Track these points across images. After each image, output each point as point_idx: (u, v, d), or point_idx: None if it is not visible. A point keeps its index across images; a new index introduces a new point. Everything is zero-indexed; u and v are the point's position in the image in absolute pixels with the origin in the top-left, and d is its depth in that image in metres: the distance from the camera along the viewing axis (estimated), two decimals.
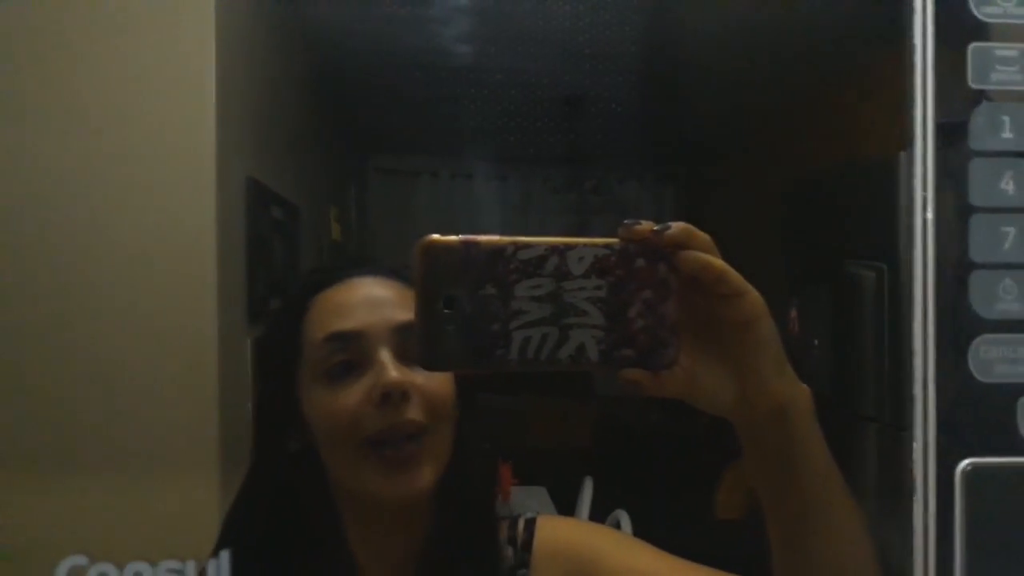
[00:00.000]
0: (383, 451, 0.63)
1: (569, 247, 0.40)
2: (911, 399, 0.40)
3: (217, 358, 1.45)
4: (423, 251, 0.39)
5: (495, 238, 0.40)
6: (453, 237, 0.39)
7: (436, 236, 0.40)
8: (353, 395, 0.64)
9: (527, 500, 2.35)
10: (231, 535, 0.71)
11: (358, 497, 0.68)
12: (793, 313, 2.22)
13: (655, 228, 0.41)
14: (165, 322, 1.42)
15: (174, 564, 0.62)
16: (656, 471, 2.95)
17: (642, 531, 2.10)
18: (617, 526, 2.13)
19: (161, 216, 1.43)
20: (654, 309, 0.40)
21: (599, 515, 2.35)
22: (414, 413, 0.64)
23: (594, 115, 3.07)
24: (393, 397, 0.63)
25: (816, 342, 2.15)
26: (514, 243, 0.40)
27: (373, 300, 0.67)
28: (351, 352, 0.65)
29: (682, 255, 0.41)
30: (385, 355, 0.64)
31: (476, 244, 0.39)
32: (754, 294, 0.42)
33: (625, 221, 0.41)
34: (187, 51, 1.44)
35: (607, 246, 0.40)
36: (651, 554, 0.69)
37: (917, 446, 0.40)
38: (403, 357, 0.65)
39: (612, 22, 2.41)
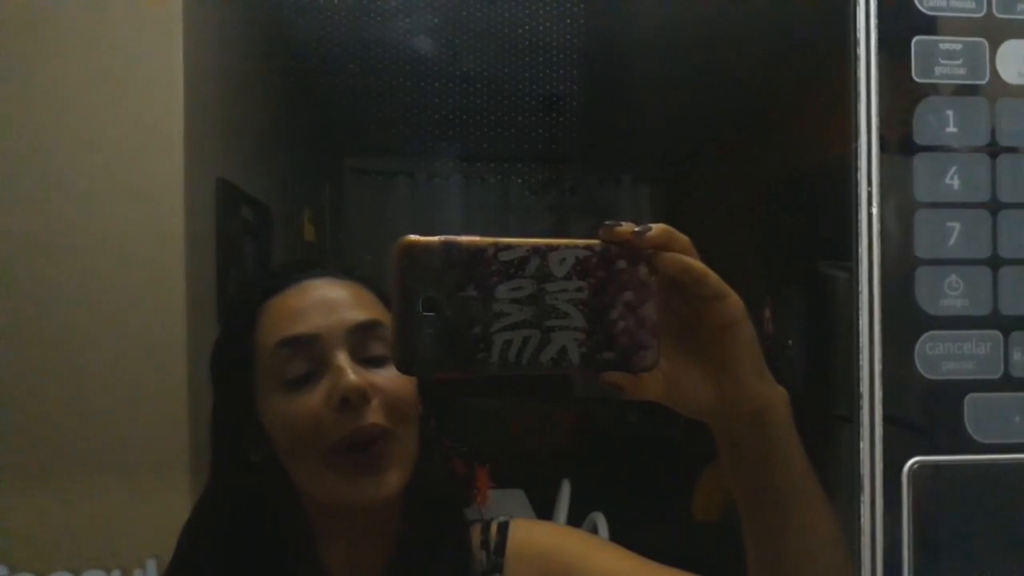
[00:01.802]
0: (347, 457, 0.62)
1: (551, 248, 0.39)
2: (858, 397, 0.40)
3: (187, 361, 1.43)
4: (402, 252, 0.38)
5: (476, 239, 0.39)
6: (433, 238, 0.39)
7: (415, 236, 0.39)
8: (312, 401, 0.62)
9: (505, 503, 2.34)
10: (188, 550, 0.70)
11: (325, 504, 0.67)
12: (767, 313, 2.23)
13: (636, 230, 0.40)
14: (134, 324, 1.40)
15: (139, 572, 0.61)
16: (633, 473, 2.96)
17: (619, 533, 2.10)
18: (594, 528, 2.13)
19: (129, 218, 1.41)
20: (635, 311, 0.40)
21: (577, 517, 2.35)
22: (376, 416, 0.62)
23: (571, 115, 3.07)
24: (352, 401, 0.62)
25: (790, 342, 2.16)
26: (495, 244, 0.39)
27: (327, 302, 0.66)
28: (306, 357, 0.64)
29: (662, 257, 0.40)
30: (342, 358, 0.63)
31: (456, 245, 0.38)
32: (734, 297, 0.42)
33: (606, 223, 0.40)
34: (154, 50, 1.43)
35: (588, 247, 0.40)
36: (624, 557, 0.69)
37: (864, 444, 0.40)
38: (361, 359, 0.64)
39: (588, 21, 2.41)
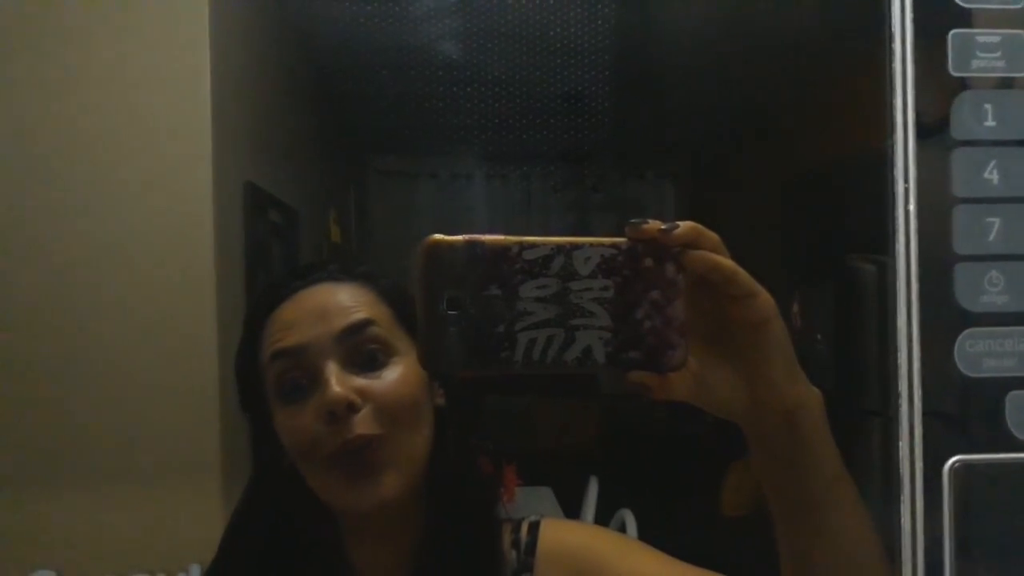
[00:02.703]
0: (342, 463, 0.62)
1: (575, 247, 0.39)
2: (896, 396, 0.39)
3: (218, 364, 1.45)
4: (427, 251, 0.39)
5: (500, 237, 0.39)
6: (457, 237, 0.39)
7: (440, 236, 0.39)
8: (305, 416, 0.63)
9: (533, 501, 2.35)
10: (228, 551, 0.71)
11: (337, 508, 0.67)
12: (795, 307, 2.21)
13: (663, 227, 0.40)
14: (164, 328, 1.42)
15: None
16: (661, 470, 2.95)
17: (647, 530, 2.10)
18: (622, 525, 2.13)
19: (158, 223, 1.42)
20: (662, 310, 0.39)
21: (605, 515, 2.34)
22: (363, 425, 0.62)
23: (593, 112, 3.06)
24: (338, 413, 0.62)
25: (819, 336, 2.14)
26: (519, 243, 0.39)
27: (317, 310, 0.66)
28: (297, 369, 0.64)
29: (691, 255, 0.40)
30: (330, 368, 0.63)
31: (481, 244, 0.39)
32: (765, 295, 0.41)
33: (632, 220, 0.40)
34: (182, 55, 1.44)
35: (614, 246, 0.40)
36: (654, 558, 0.69)
37: (903, 444, 0.39)
38: (354, 363, 0.64)
39: (613, 17, 2.40)
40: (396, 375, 0.64)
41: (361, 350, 0.64)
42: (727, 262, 0.40)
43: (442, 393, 0.70)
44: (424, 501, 0.68)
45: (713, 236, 0.41)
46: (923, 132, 0.39)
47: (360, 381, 0.63)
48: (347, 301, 0.66)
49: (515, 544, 0.71)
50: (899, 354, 0.39)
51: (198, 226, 1.44)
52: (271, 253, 1.91)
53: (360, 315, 0.65)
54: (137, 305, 1.40)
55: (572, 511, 2.42)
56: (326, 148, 2.83)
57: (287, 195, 2.10)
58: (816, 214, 2.33)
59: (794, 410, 0.43)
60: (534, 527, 0.72)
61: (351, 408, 0.62)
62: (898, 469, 0.39)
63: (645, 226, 0.40)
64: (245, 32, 1.79)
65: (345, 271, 0.69)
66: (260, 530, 0.69)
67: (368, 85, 2.75)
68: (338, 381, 0.62)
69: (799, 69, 2.49)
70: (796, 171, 2.63)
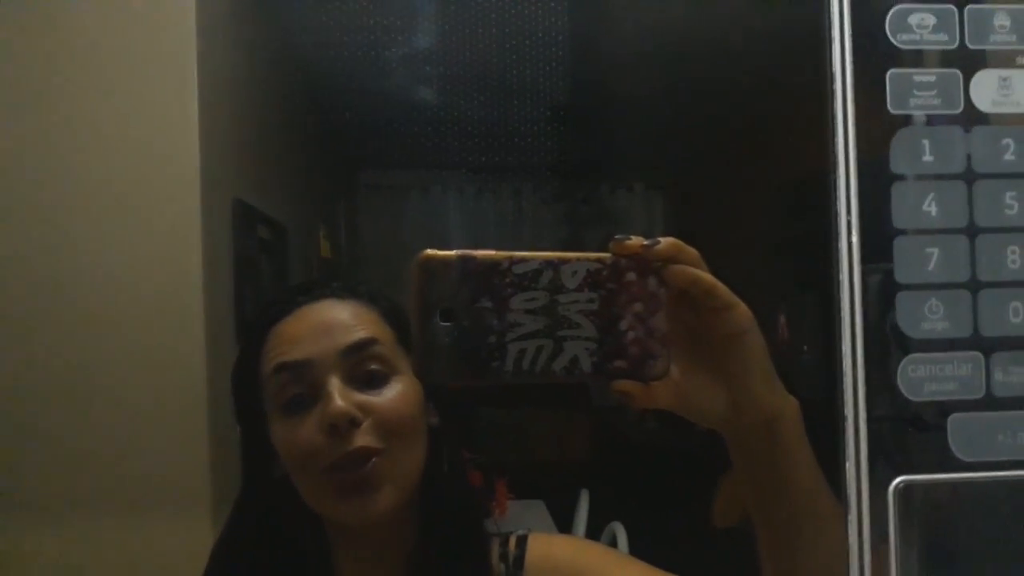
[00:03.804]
0: (338, 477, 0.64)
1: (563, 261, 0.41)
2: (842, 420, 0.41)
3: (206, 381, 1.45)
4: (420, 265, 0.40)
5: (491, 253, 0.41)
6: (450, 252, 0.41)
7: (433, 251, 0.41)
8: (306, 428, 0.65)
9: (525, 515, 2.35)
10: (219, 560, 0.72)
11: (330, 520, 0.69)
12: (782, 319, 2.23)
13: (645, 243, 0.42)
14: (152, 345, 1.42)
15: None
16: (652, 483, 2.95)
17: (638, 543, 2.10)
18: (613, 538, 2.13)
19: (146, 240, 1.43)
20: (645, 322, 0.42)
21: (596, 527, 2.34)
22: (364, 439, 0.64)
23: (582, 126, 3.08)
24: (340, 427, 0.64)
25: (806, 347, 2.15)
26: (509, 257, 0.41)
27: (322, 325, 0.67)
28: (300, 383, 0.66)
29: (672, 269, 0.42)
30: (333, 383, 0.65)
31: (473, 258, 0.40)
32: (742, 307, 0.43)
33: (616, 236, 0.42)
34: (168, 72, 1.45)
35: (599, 260, 0.42)
36: (642, 570, 0.70)
37: (850, 465, 0.41)
38: (356, 379, 0.66)
39: (598, 32, 2.42)
40: (396, 393, 0.66)
41: (363, 368, 0.66)
42: (706, 276, 0.42)
43: (435, 412, 0.72)
44: (415, 516, 0.70)
45: (693, 252, 0.43)
46: (864, 167, 0.41)
47: (361, 397, 0.65)
48: (350, 319, 0.67)
49: (503, 558, 0.72)
50: (844, 379, 0.41)
51: (186, 243, 1.45)
52: (260, 269, 1.91)
53: (364, 333, 0.66)
54: (125, 322, 1.41)
55: (564, 524, 2.43)
56: (315, 163, 2.84)
57: (276, 211, 2.11)
58: (803, 225, 2.35)
59: (772, 418, 0.44)
60: (522, 541, 0.73)
61: (353, 423, 0.63)
62: (845, 490, 0.41)
63: (629, 242, 0.42)
64: (231, 49, 1.80)
65: (348, 289, 0.71)
66: (250, 541, 0.70)
67: (356, 100, 2.77)
68: (341, 396, 0.64)
69: (771, 83, 2.52)
70: (782, 181, 2.65)
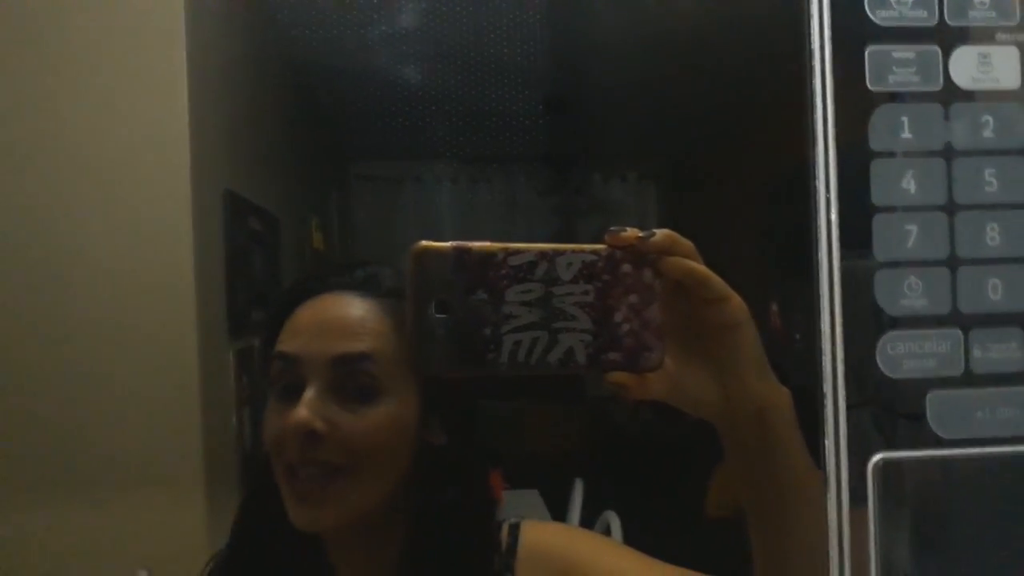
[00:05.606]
0: (293, 479, 0.64)
1: (558, 253, 0.41)
2: (822, 397, 0.41)
3: (198, 371, 1.45)
4: (416, 257, 0.41)
5: (486, 244, 0.41)
6: (445, 244, 0.41)
7: (428, 243, 0.41)
8: (282, 417, 0.64)
9: (520, 504, 2.36)
10: (235, 540, 0.72)
11: None
12: (775, 307, 2.24)
13: (640, 235, 0.42)
14: (145, 337, 1.42)
15: None
16: (646, 472, 2.96)
17: (632, 532, 2.10)
18: (607, 527, 2.14)
19: (137, 232, 1.43)
20: (639, 313, 0.42)
21: (590, 517, 2.35)
22: (327, 453, 0.63)
23: (575, 115, 3.07)
24: (297, 436, 0.63)
25: (798, 335, 2.16)
26: (505, 249, 0.41)
27: (327, 323, 0.65)
28: (290, 374, 0.65)
29: (666, 261, 0.42)
30: (311, 388, 0.64)
31: (468, 250, 0.40)
32: (736, 299, 0.44)
33: (611, 228, 0.42)
34: (158, 63, 1.44)
35: (594, 252, 0.42)
36: (634, 558, 0.70)
37: (829, 443, 0.41)
38: (341, 389, 0.64)
39: (591, 21, 2.42)
40: (376, 417, 0.63)
41: (351, 380, 0.64)
42: (700, 268, 0.43)
43: (443, 432, 0.69)
44: (404, 512, 0.69)
45: (687, 243, 0.43)
46: (843, 145, 0.41)
47: (335, 411, 0.63)
48: (357, 325, 0.65)
49: (495, 546, 0.72)
50: (823, 357, 0.41)
51: (177, 235, 1.45)
52: (252, 261, 1.91)
53: (361, 346, 0.64)
54: (116, 314, 1.40)
55: (559, 513, 2.44)
56: (306, 154, 2.84)
57: (268, 202, 2.10)
58: (796, 213, 2.35)
59: (764, 409, 0.45)
60: (514, 529, 0.73)
61: (311, 436, 0.62)
62: (825, 468, 0.41)
63: (624, 234, 0.42)
64: (221, 40, 1.79)
65: (376, 286, 0.68)
66: (257, 525, 0.70)
67: (347, 90, 2.76)
68: (310, 405, 0.62)
69: (761, 72, 2.52)
70: (774, 169, 2.65)
